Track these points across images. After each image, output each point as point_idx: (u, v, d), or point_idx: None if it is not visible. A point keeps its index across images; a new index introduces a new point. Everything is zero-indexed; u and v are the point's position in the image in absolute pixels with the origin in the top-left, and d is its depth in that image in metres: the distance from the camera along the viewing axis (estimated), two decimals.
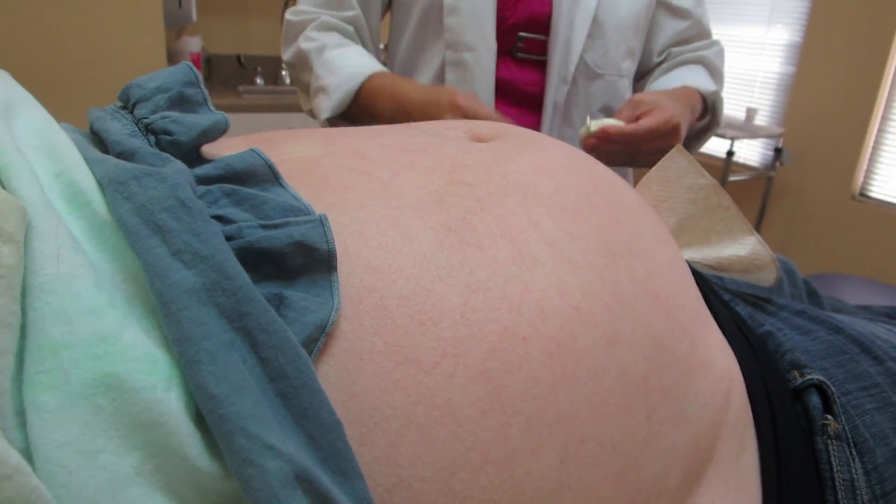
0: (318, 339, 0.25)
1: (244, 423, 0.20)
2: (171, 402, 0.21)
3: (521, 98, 0.95)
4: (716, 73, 1.01)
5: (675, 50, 1.02)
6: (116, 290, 0.23)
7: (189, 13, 2.29)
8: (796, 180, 2.58)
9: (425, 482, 0.25)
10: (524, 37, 0.92)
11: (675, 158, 0.54)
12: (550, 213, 0.33)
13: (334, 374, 0.25)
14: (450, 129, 0.42)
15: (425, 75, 0.96)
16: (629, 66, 1.00)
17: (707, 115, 0.96)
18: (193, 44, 2.47)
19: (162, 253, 0.23)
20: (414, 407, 0.25)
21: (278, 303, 0.25)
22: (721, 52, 1.03)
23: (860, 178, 2.39)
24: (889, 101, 2.28)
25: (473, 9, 0.90)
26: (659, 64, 1.03)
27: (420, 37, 0.95)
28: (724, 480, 0.35)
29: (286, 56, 0.97)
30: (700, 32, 1.02)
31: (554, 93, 0.94)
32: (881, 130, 2.32)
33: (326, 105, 0.88)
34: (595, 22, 0.92)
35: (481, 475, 0.25)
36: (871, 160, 2.36)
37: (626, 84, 1.01)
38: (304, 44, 0.92)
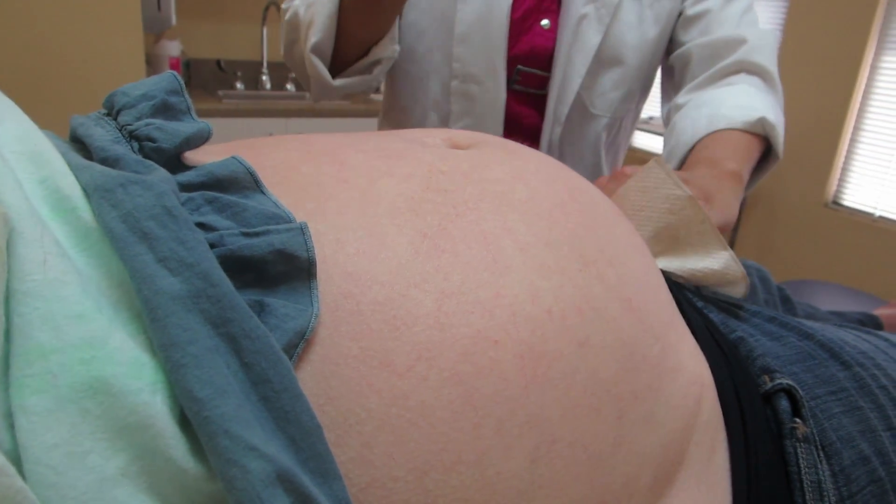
0: (297, 344, 0.25)
1: (228, 425, 0.21)
2: (156, 406, 0.21)
3: (517, 129, 0.92)
4: (765, 76, 0.81)
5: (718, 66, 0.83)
6: (102, 295, 0.23)
7: (168, 17, 2.27)
8: (771, 188, 2.62)
9: (398, 481, 0.25)
10: (522, 70, 0.88)
11: (653, 169, 0.55)
12: (525, 219, 0.33)
13: (311, 379, 0.26)
14: (428, 136, 0.43)
15: (425, 102, 0.91)
16: (629, 108, 0.95)
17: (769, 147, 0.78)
18: (173, 48, 2.46)
19: (148, 260, 0.23)
20: (388, 409, 0.26)
21: (259, 310, 0.25)
22: (762, 48, 0.81)
23: (833, 187, 2.43)
24: (861, 111, 2.33)
25: (484, 40, 0.84)
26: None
27: (422, 59, 0.89)
28: (696, 482, 0.36)
29: (283, 49, 0.85)
30: (722, 22, 0.84)
31: (549, 131, 0.90)
32: (853, 140, 2.36)
33: (312, 31, 0.76)
34: (596, 61, 0.87)
35: (453, 475, 0.26)
36: (844, 169, 2.40)
37: (627, 126, 0.97)
38: (287, 15, 0.81)
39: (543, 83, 0.89)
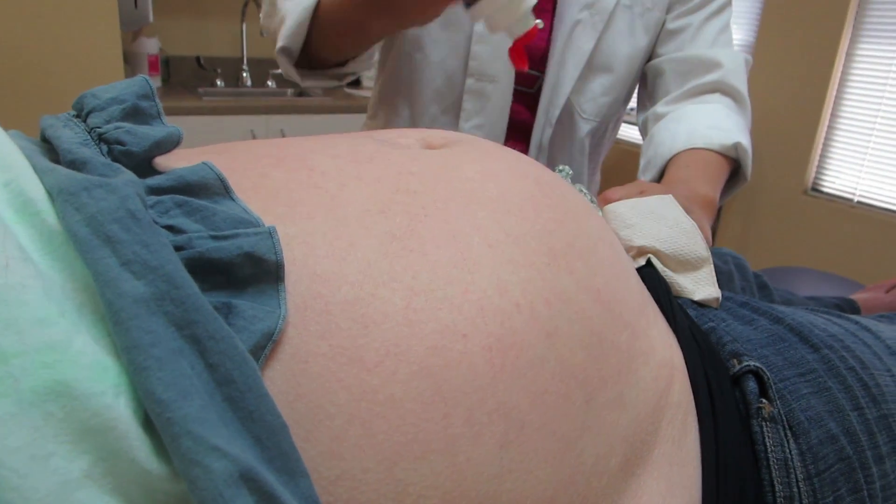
0: (265, 346, 0.26)
1: (191, 426, 0.21)
2: (119, 408, 0.21)
3: (511, 125, 0.92)
4: (738, 98, 0.86)
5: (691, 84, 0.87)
6: (66, 299, 0.23)
7: (145, 14, 2.25)
8: (751, 175, 2.63)
9: (368, 472, 0.26)
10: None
11: (666, 199, 0.56)
12: (493, 216, 0.34)
13: (280, 377, 0.26)
14: (402, 137, 0.43)
15: (437, 100, 0.90)
16: (616, 113, 0.96)
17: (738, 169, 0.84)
18: (151, 45, 2.44)
19: (112, 263, 0.24)
20: (357, 404, 0.26)
21: (227, 312, 0.26)
22: (736, 71, 0.86)
23: (812, 174, 2.45)
24: (838, 98, 2.35)
25: (502, 39, 0.81)
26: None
27: (432, 58, 0.88)
28: (668, 462, 0.37)
29: (262, 20, 0.81)
30: (698, 40, 0.88)
31: (540, 133, 0.91)
32: (831, 127, 2.38)
33: (282, 34, 0.73)
34: (589, 66, 0.88)
35: (423, 463, 0.27)
36: (823, 156, 2.42)
37: (611, 129, 0.98)
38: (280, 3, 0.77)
39: (533, 81, 0.91)
